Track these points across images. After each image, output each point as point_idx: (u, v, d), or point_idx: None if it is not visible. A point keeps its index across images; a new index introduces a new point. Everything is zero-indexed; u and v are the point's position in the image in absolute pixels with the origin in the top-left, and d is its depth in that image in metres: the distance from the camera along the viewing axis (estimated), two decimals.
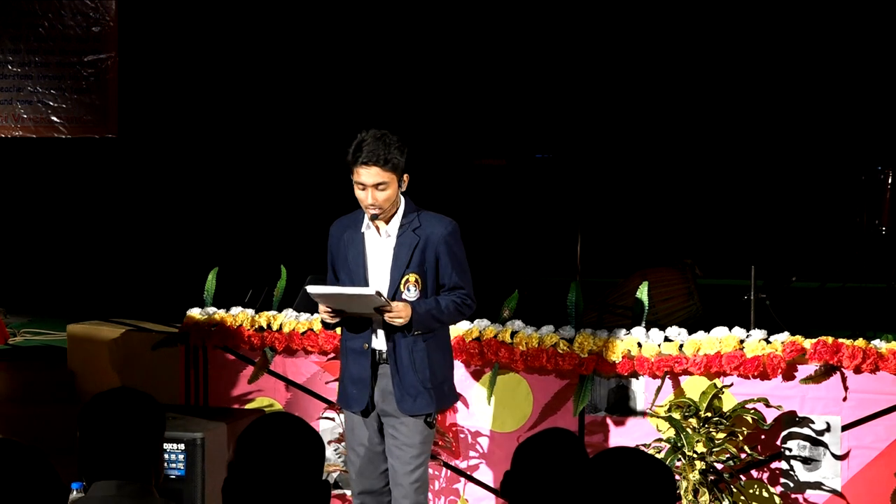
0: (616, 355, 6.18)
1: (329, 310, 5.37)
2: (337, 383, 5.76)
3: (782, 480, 6.03)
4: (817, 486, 5.97)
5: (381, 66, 10.72)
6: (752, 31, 10.42)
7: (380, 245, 5.45)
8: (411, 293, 5.37)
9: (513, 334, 6.40)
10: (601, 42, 10.62)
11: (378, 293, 5.26)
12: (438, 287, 5.46)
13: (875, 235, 8.77)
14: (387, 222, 5.44)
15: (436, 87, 10.72)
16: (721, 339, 6.10)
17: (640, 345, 6.19)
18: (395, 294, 5.38)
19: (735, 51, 10.41)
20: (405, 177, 5.40)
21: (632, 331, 6.28)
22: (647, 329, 6.28)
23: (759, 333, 6.14)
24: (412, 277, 5.39)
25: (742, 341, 6.08)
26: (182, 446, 5.95)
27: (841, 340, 5.97)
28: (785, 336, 6.07)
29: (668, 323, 6.54)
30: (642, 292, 6.38)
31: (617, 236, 9.84)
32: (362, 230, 5.47)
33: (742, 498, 5.98)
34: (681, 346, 6.14)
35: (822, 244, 9.63)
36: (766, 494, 6.03)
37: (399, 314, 5.30)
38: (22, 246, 10.68)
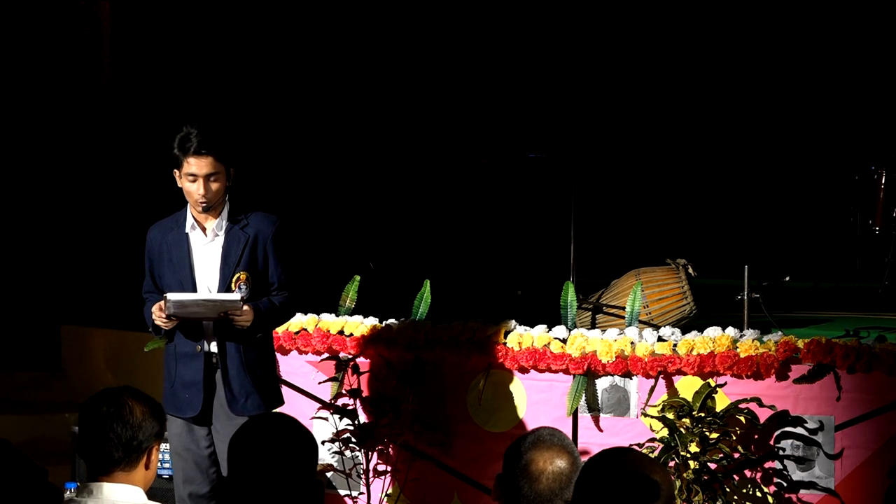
0: (609, 355, 6.17)
1: (166, 315, 5.23)
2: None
3: (776, 480, 6.02)
4: (811, 485, 5.96)
5: (376, 67, 10.70)
6: (745, 31, 10.42)
7: (206, 244, 5.38)
8: (242, 291, 5.31)
9: (506, 334, 6.40)
10: (596, 42, 10.62)
11: (242, 298, 5.22)
12: (268, 284, 5.42)
13: (868, 235, 8.77)
14: (215, 218, 5.36)
15: (429, 87, 10.70)
16: (714, 338, 6.10)
17: (633, 345, 6.19)
18: (226, 293, 5.31)
19: (729, 51, 10.41)
20: (232, 171, 5.35)
21: (625, 331, 6.28)
22: (641, 329, 6.28)
23: (752, 333, 6.14)
24: (243, 276, 5.33)
25: (735, 341, 6.08)
26: None
27: (834, 340, 5.97)
28: (778, 336, 6.08)
29: (661, 323, 6.54)
30: (636, 292, 6.38)
31: (611, 236, 9.83)
32: (186, 231, 5.37)
33: (735, 498, 5.98)
34: (674, 345, 6.14)
35: (815, 244, 9.63)
36: (759, 494, 6.03)
37: (247, 317, 5.26)
38: (13, 245, 10.66)
